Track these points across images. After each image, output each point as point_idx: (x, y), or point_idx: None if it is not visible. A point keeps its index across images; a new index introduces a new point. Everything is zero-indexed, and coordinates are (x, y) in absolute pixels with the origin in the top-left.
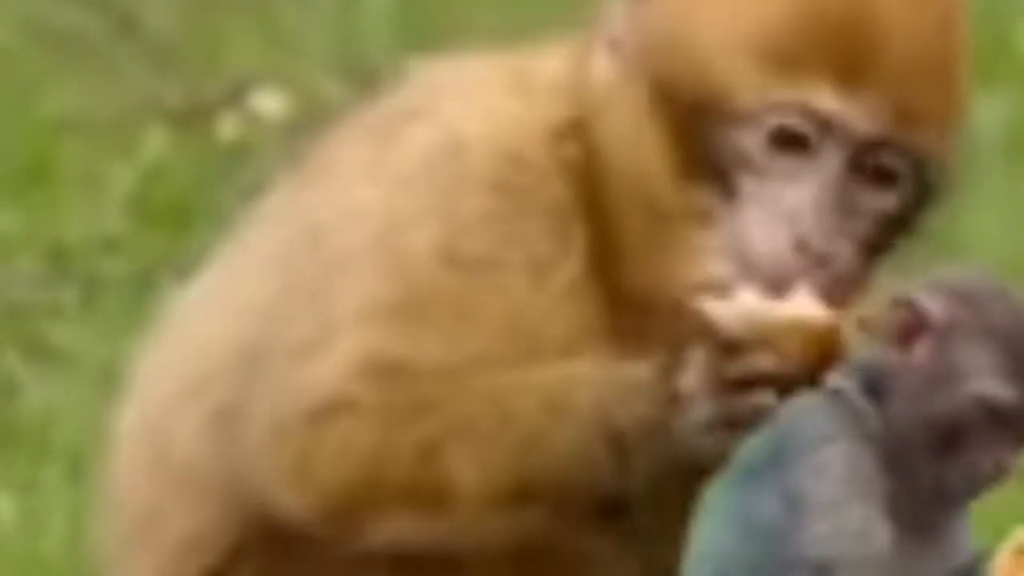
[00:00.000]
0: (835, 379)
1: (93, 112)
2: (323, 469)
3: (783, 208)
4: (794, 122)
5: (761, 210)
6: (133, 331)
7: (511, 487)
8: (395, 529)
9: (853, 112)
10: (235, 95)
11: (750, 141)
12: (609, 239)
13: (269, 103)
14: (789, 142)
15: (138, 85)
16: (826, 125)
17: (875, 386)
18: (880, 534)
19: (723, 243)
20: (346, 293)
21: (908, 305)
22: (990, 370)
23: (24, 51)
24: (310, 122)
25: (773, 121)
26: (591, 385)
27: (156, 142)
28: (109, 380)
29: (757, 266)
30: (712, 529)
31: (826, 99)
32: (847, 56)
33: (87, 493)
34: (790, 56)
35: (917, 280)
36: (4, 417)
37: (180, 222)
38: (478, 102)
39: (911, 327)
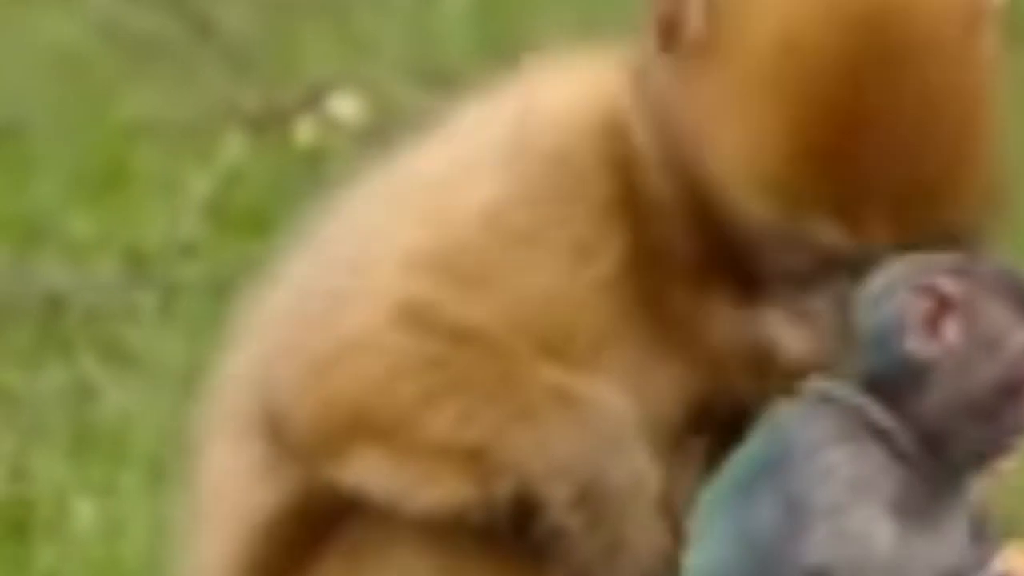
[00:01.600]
0: (820, 384)
1: (170, 117)
2: (330, 389)
3: (804, 309)
4: (799, 258)
5: (784, 309)
6: (210, 336)
7: (488, 455)
8: (365, 468)
9: (858, 240)
10: (312, 100)
11: (761, 255)
12: (652, 247)
13: (346, 108)
14: (795, 270)
15: (215, 90)
16: (831, 256)
17: (893, 387)
18: (882, 537)
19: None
20: (391, 238)
21: (927, 292)
22: (1021, 321)
23: (101, 55)
24: (386, 126)
25: (778, 252)
26: (608, 427)
27: (233, 147)
28: (187, 384)
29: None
30: (709, 542)
31: (829, 233)
32: (846, 189)
33: (165, 498)
34: (789, 190)
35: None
36: (82, 421)
37: (257, 227)
38: (562, 84)
39: (936, 313)
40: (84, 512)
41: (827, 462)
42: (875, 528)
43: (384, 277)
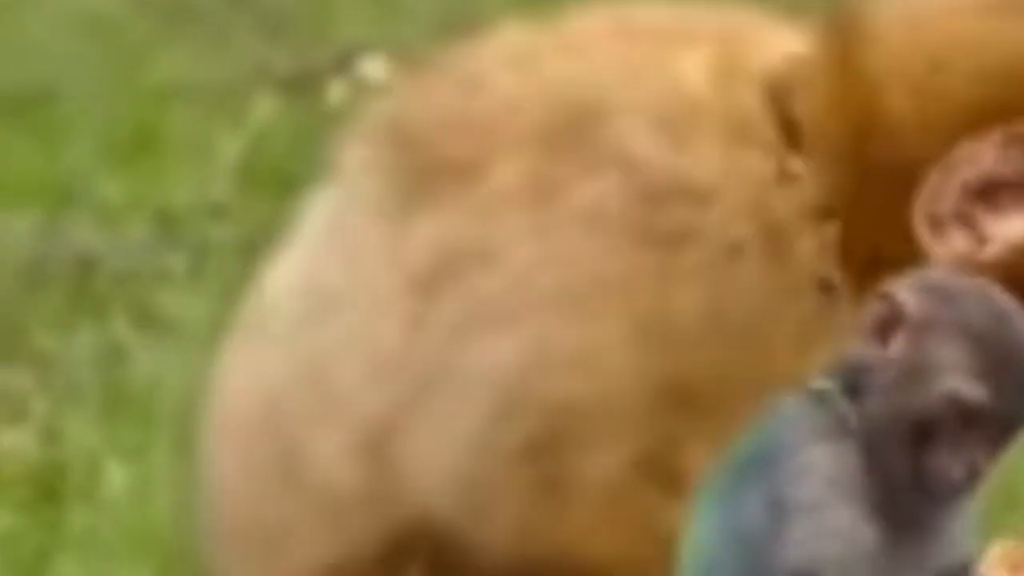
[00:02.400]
0: (819, 380)
1: (201, 79)
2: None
3: None
4: None
5: None
6: (241, 297)
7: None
8: None
9: None
10: (343, 62)
11: None
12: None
13: (377, 69)
14: None
15: (247, 52)
16: None
17: (856, 383)
18: (865, 535)
19: None
20: None
21: (886, 299)
22: (962, 368)
23: (132, 18)
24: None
25: None
26: None
27: (264, 109)
28: (218, 346)
29: None
30: (700, 534)
31: None
32: None
33: (194, 461)
34: None
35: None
36: (113, 384)
37: (288, 189)
38: None
39: (888, 321)
40: (115, 475)
41: (807, 460)
42: (858, 528)
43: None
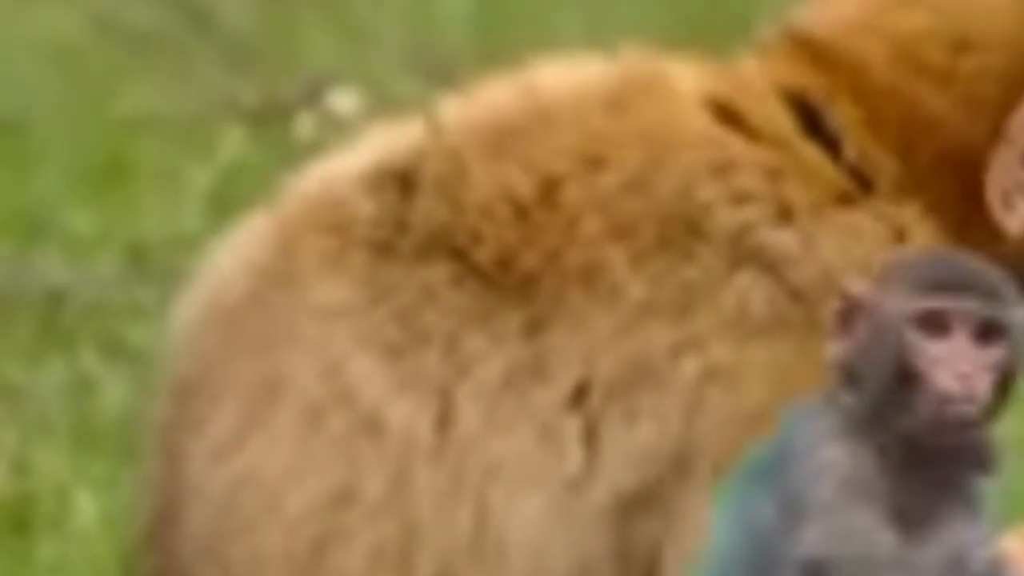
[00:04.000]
0: (831, 386)
1: (170, 111)
2: None
3: None
4: None
5: None
6: None
7: None
8: None
9: None
10: (311, 93)
11: None
12: None
13: (345, 101)
14: None
15: (214, 84)
16: None
17: (848, 378)
18: (883, 536)
19: None
20: None
21: (841, 296)
22: (912, 295)
23: (99, 49)
24: (386, 120)
25: None
26: None
27: (233, 141)
28: None
29: None
30: (718, 530)
31: None
32: None
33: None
34: None
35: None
36: (83, 416)
37: None
38: None
39: (848, 312)
40: (85, 507)
41: (823, 459)
42: (874, 529)
43: None
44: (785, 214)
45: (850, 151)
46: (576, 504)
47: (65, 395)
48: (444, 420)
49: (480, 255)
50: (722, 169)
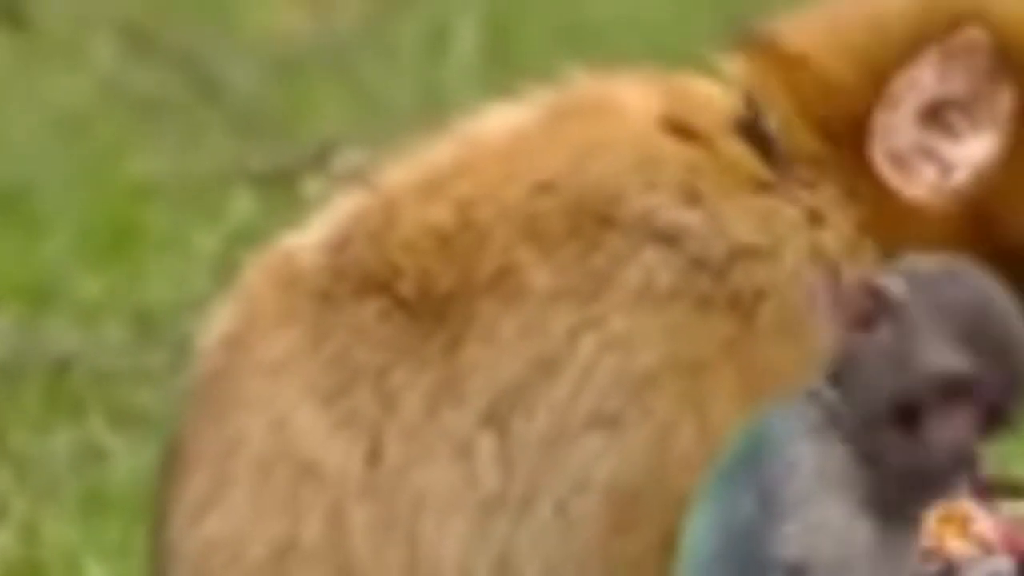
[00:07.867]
0: (815, 379)
1: (177, 176)
2: None
3: None
4: None
5: None
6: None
7: None
8: None
9: None
10: (320, 156)
11: None
12: None
13: (353, 164)
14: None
15: (222, 148)
16: None
17: (841, 374)
18: (857, 531)
19: None
20: None
21: (869, 289)
22: (943, 343)
23: (107, 115)
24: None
25: None
26: None
27: (242, 205)
28: None
29: None
30: (697, 528)
31: None
32: None
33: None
34: None
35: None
36: (93, 484)
37: None
38: None
39: (872, 310)
40: (94, 573)
41: (794, 455)
42: (847, 524)
43: None
44: (693, 198)
45: (784, 146)
46: (499, 522)
47: (74, 462)
48: (373, 456)
49: (403, 287)
50: (643, 164)
